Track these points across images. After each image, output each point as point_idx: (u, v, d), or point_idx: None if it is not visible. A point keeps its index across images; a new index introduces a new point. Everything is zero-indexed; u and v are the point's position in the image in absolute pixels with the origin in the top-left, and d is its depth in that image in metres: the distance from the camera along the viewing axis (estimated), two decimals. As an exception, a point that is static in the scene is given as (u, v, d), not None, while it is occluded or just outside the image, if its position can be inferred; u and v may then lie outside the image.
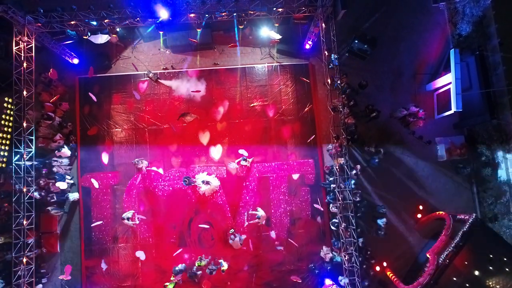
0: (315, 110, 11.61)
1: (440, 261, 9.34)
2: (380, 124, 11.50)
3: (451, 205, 11.28)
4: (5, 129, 10.60)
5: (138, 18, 9.50)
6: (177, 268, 10.26)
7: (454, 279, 9.72)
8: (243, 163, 10.89)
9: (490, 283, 9.54)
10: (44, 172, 10.57)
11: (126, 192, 11.08)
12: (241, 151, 10.96)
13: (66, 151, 10.67)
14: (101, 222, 10.79)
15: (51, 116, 10.59)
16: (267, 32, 10.56)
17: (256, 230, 10.95)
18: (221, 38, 11.83)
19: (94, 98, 10.89)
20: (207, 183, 10.62)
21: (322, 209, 10.83)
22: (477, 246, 9.64)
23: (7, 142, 10.57)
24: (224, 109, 11.50)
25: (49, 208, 10.43)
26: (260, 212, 10.44)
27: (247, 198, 11.15)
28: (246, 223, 10.63)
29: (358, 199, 10.19)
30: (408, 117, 11.19)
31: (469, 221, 9.46)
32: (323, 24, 9.65)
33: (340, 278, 10.04)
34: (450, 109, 10.58)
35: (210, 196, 11.00)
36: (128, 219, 10.34)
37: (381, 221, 10.52)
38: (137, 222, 10.61)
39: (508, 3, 10.99)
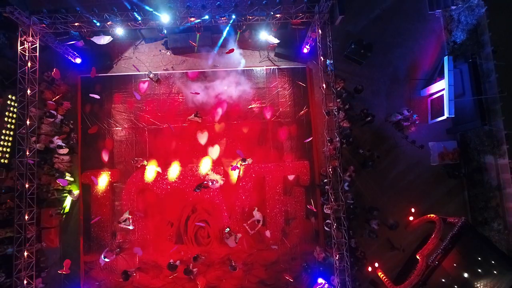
0: (311, 113, 11.84)
1: (429, 263, 9.55)
2: (374, 128, 11.73)
3: (443, 209, 11.49)
4: (8, 126, 10.84)
5: (140, 21, 9.76)
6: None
7: (443, 280, 9.95)
8: (243, 163, 11.07)
9: (478, 285, 9.79)
10: (45, 169, 10.83)
11: (125, 190, 11.34)
12: (238, 152, 11.19)
13: (63, 150, 10.87)
14: (99, 217, 11.02)
15: (53, 114, 10.83)
16: (266, 36, 10.80)
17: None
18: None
19: (97, 96, 11.10)
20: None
21: (314, 210, 11.06)
22: (466, 249, 9.85)
23: (10, 138, 10.82)
24: (223, 110, 11.74)
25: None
26: (257, 216, 10.68)
27: (243, 197, 11.41)
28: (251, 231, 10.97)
29: (350, 201, 10.44)
30: (402, 121, 11.44)
31: (458, 224, 9.66)
32: (320, 30, 9.85)
33: (332, 277, 10.27)
34: (443, 115, 10.85)
35: (207, 195, 11.31)
36: (126, 220, 10.57)
37: (373, 223, 10.80)
38: (131, 227, 10.83)
39: (502, 12, 11.26)
